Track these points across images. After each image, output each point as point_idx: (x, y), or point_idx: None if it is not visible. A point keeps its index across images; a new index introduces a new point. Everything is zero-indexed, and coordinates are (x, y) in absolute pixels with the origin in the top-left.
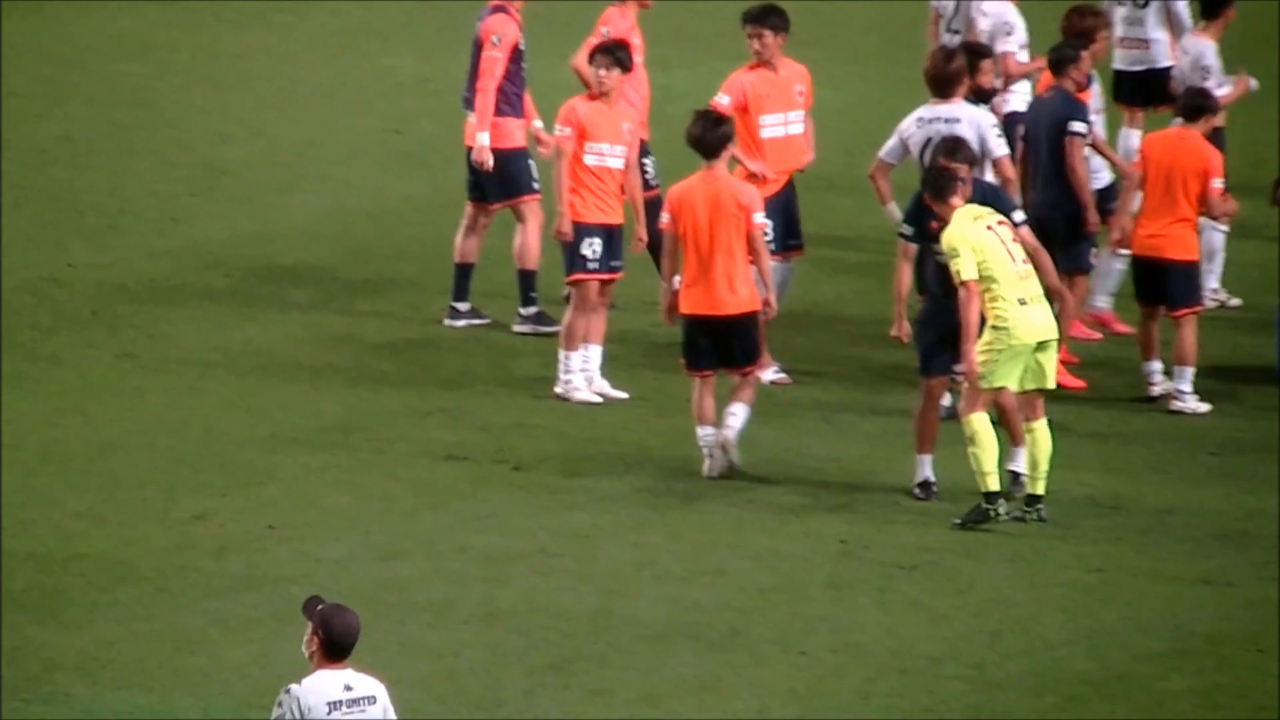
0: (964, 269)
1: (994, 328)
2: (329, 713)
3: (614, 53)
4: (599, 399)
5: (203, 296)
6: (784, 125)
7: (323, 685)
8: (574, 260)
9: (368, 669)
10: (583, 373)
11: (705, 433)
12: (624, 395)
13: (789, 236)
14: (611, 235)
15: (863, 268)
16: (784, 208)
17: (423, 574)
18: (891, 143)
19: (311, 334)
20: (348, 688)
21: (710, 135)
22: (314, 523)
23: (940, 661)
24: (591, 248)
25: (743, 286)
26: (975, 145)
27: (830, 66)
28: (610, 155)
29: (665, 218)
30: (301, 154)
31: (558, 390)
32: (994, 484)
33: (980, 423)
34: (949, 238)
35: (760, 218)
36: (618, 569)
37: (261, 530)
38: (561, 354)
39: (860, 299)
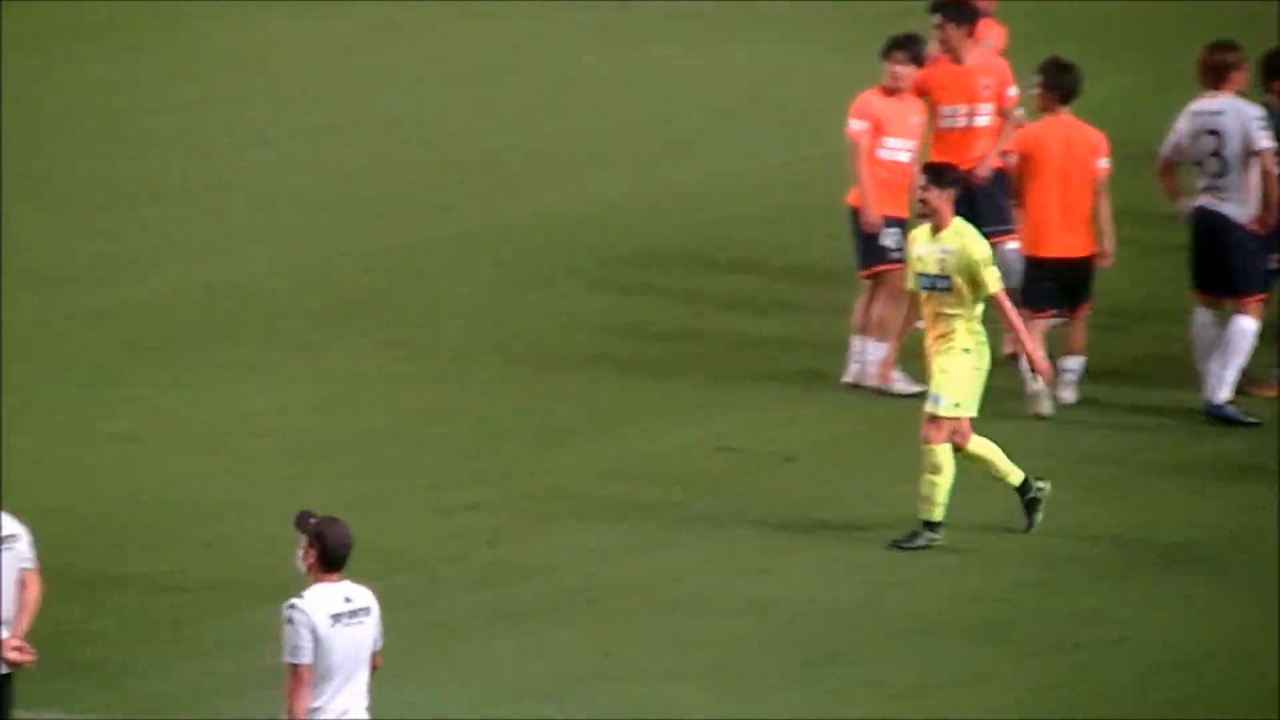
0: (994, 280)
1: (969, 351)
2: (332, 625)
3: (909, 48)
4: (918, 388)
5: (472, 285)
6: (966, 117)
7: (324, 598)
8: (874, 251)
9: (639, 660)
10: (870, 362)
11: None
12: (917, 389)
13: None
14: (903, 228)
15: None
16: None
17: (694, 564)
18: (1171, 138)
19: (582, 323)
20: (347, 599)
21: (1067, 80)
22: (584, 513)
23: (1214, 656)
24: (893, 238)
25: (1088, 229)
26: (1238, 139)
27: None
28: (900, 150)
29: (1014, 159)
30: (569, 143)
31: (849, 378)
32: (940, 515)
33: (946, 454)
34: (979, 246)
35: (1106, 163)
36: (889, 560)
37: (532, 520)
38: (857, 341)
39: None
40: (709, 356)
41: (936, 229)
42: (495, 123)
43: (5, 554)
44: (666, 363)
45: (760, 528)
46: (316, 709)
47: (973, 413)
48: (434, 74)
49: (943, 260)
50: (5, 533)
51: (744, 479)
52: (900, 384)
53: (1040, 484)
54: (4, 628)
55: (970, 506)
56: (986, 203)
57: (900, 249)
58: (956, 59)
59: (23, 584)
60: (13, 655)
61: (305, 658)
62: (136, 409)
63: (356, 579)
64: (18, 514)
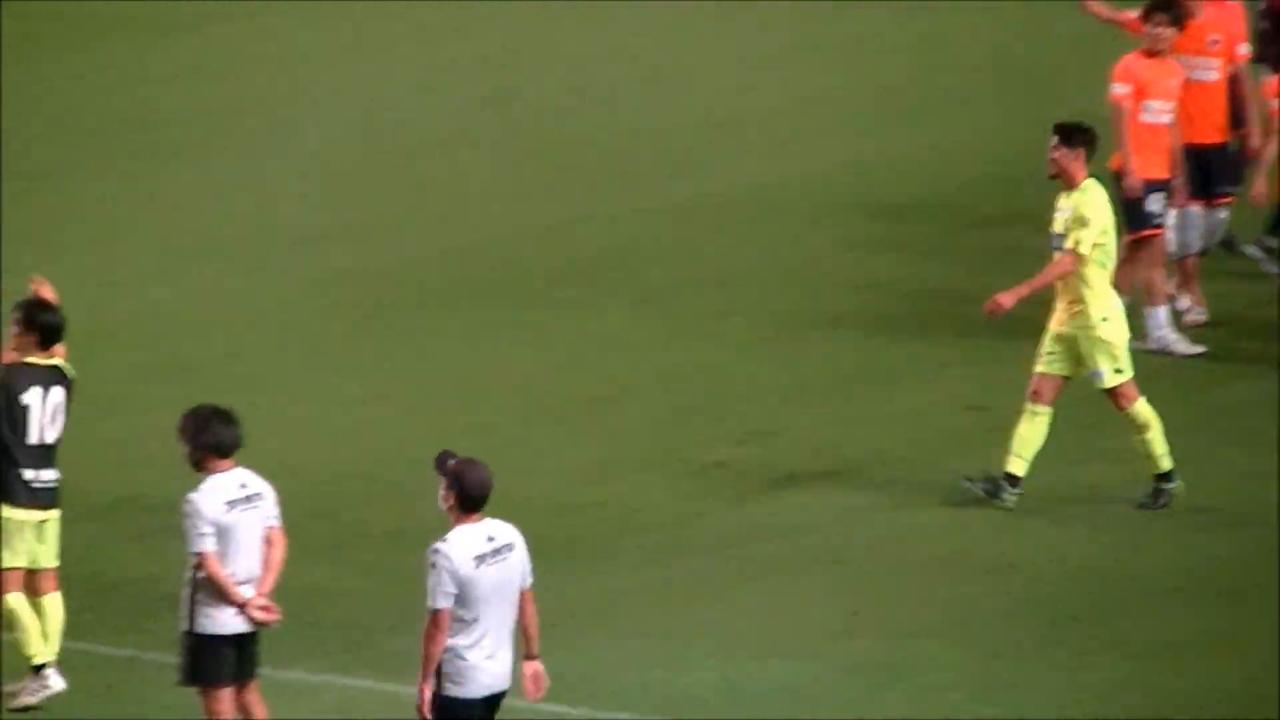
0: (1081, 241)
1: (1107, 320)
2: (476, 566)
3: (1169, 9)
4: (1201, 349)
5: (718, 246)
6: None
7: (467, 540)
8: (1138, 216)
9: (885, 618)
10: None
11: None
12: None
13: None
14: (1167, 192)
15: None
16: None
17: (939, 524)
18: None
19: (829, 282)
20: (490, 538)
21: None
22: (830, 472)
23: None
24: (1158, 203)
25: None
26: None
27: None
28: (1163, 113)
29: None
30: (819, 105)
31: (1151, 346)
32: (1167, 464)
33: (1144, 409)
34: (1091, 206)
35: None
36: (1132, 520)
37: (778, 479)
38: (1149, 310)
39: None
40: (956, 315)
41: (1068, 189)
42: (741, 83)
43: (251, 512)
44: (913, 321)
45: None
46: (467, 647)
47: (1130, 373)
48: (674, 37)
49: (1065, 219)
50: (251, 491)
51: (990, 438)
52: (1180, 345)
53: (1175, 485)
54: (250, 586)
55: (1215, 465)
56: (1220, 162)
57: (1164, 213)
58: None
59: (268, 542)
60: (258, 614)
61: (443, 603)
62: (381, 369)
63: (605, 539)
64: (263, 473)
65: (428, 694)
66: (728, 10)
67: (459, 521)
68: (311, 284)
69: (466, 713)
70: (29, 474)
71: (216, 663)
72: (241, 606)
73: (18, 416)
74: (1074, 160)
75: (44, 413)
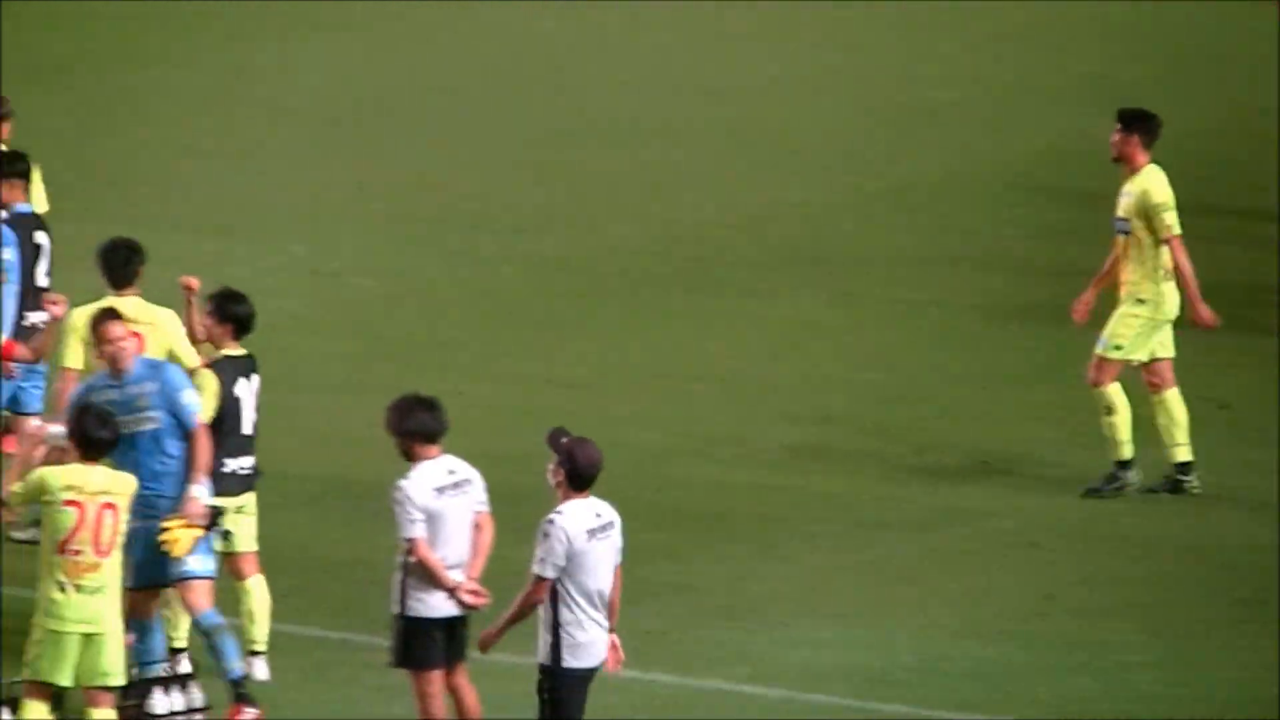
0: (1170, 225)
1: (1143, 301)
2: (588, 540)
3: None
4: None
5: (913, 234)
6: None
7: (580, 515)
8: None
9: (1079, 599)
10: None
11: None
12: None
13: None
14: None
15: None
16: None
17: (1129, 509)
18: None
19: (1025, 270)
20: (598, 515)
21: None
22: (1025, 458)
23: None
24: None
25: None
26: None
27: None
28: None
29: None
30: (1010, 93)
31: None
32: (1128, 453)
33: (1115, 393)
34: (1159, 190)
35: None
36: None
37: (975, 465)
38: None
39: None
40: None
41: (1130, 173)
42: (933, 75)
43: (460, 498)
44: (1107, 309)
45: (1198, 474)
46: (578, 622)
47: (1137, 357)
48: (873, 30)
49: (1127, 204)
50: (459, 477)
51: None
52: None
53: (1194, 481)
54: (460, 570)
55: None
56: None
57: None
58: None
59: (477, 527)
60: (468, 598)
61: (551, 572)
62: (588, 355)
63: (806, 523)
64: (471, 458)
65: (496, 636)
66: (922, 4)
67: (568, 497)
68: (520, 271)
69: (581, 683)
70: (231, 463)
71: (426, 646)
72: (451, 591)
73: (231, 409)
74: (1133, 145)
75: (249, 403)
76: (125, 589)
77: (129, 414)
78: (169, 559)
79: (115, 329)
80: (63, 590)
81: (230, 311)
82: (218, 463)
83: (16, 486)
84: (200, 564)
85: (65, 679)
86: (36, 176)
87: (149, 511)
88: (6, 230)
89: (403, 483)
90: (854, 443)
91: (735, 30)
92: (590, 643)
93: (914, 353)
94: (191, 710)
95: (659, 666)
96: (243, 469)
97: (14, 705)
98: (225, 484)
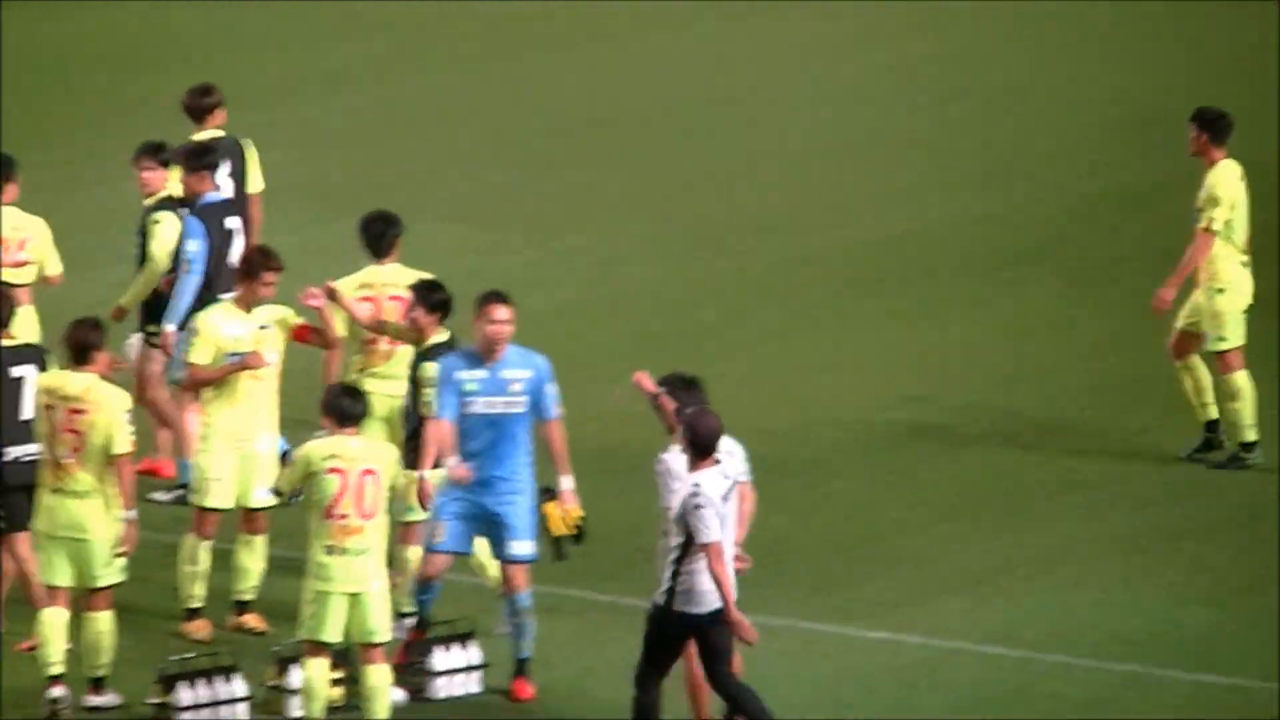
0: (1218, 218)
1: (1223, 291)
2: (724, 503)
3: None
4: None
5: (1134, 232)
6: None
7: (714, 481)
8: None
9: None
10: None
11: None
12: None
13: None
14: None
15: None
16: None
17: None
18: None
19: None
20: (725, 477)
21: None
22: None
23: None
24: None
25: None
26: None
27: None
28: None
29: None
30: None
31: None
32: (1253, 435)
33: (1244, 379)
34: (1224, 183)
35: None
36: None
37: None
38: None
39: None
40: None
41: (1208, 167)
42: (1157, 85)
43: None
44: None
45: None
46: (694, 570)
47: (1238, 342)
48: (1101, 40)
49: (1200, 195)
50: (723, 449)
51: None
52: None
53: (1254, 456)
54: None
55: None
56: None
57: None
58: None
59: (740, 497)
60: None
61: (717, 535)
62: (839, 341)
63: (1045, 497)
64: (730, 432)
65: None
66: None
67: (697, 465)
68: (768, 266)
69: (686, 628)
70: None
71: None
72: None
73: None
74: (1204, 143)
75: None
76: (430, 548)
77: (495, 396)
78: (504, 538)
79: (500, 311)
80: (330, 554)
81: (433, 299)
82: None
83: (284, 471)
84: (529, 549)
85: (335, 636)
86: (253, 157)
87: (501, 491)
88: (194, 222)
89: (665, 455)
90: (1086, 422)
91: (976, 42)
92: (706, 592)
93: (1136, 343)
94: (471, 667)
95: (907, 630)
96: None
97: (286, 664)
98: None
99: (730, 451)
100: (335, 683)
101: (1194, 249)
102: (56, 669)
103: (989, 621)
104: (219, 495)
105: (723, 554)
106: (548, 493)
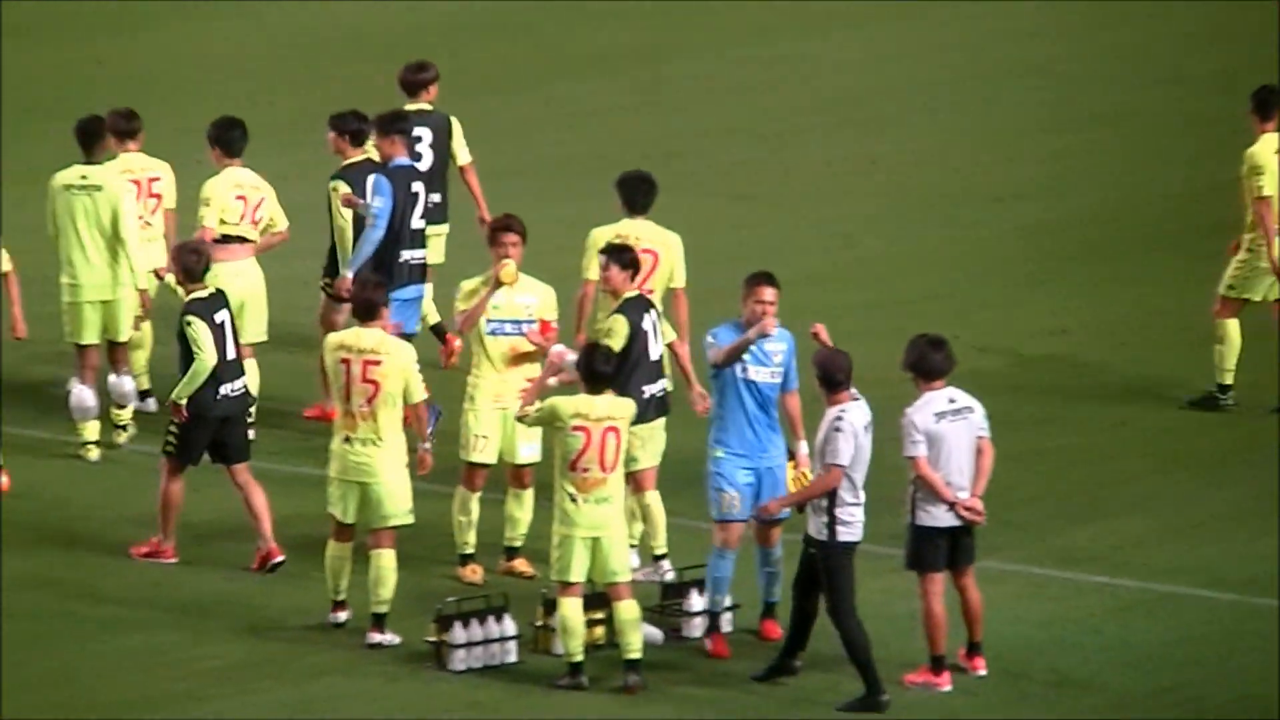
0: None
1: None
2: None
3: None
4: None
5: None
6: None
7: (859, 412)
8: None
9: None
10: None
11: None
12: None
13: None
14: None
15: None
16: None
17: None
18: None
19: None
20: (951, 400)
21: None
22: None
23: None
24: None
25: None
26: None
27: None
28: None
29: None
30: None
31: None
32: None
33: (1232, 327)
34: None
35: None
36: None
37: None
38: None
39: None
40: None
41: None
42: None
43: (960, 423)
44: None
45: None
46: (848, 502)
47: (1249, 296)
48: None
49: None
50: (960, 405)
51: None
52: None
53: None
54: (962, 491)
55: None
56: None
57: None
58: None
59: (979, 451)
60: (966, 513)
61: (845, 461)
62: (1060, 307)
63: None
64: (968, 390)
65: (779, 507)
66: None
67: (835, 399)
68: (998, 235)
69: (849, 555)
70: (648, 389)
71: (932, 552)
72: (951, 505)
73: (640, 342)
74: (1251, 118)
75: (654, 335)
76: (725, 519)
77: (762, 367)
78: (766, 497)
79: (767, 292)
80: (574, 501)
81: (627, 259)
82: (636, 390)
83: (531, 410)
84: (787, 508)
85: (580, 576)
86: (457, 130)
87: (769, 454)
88: (382, 181)
89: (908, 410)
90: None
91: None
92: (857, 522)
93: None
94: (729, 608)
95: (1124, 574)
96: (656, 393)
97: (552, 605)
98: (642, 408)
99: (971, 408)
100: (596, 623)
101: (1265, 217)
102: (341, 596)
103: (1200, 566)
104: (485, 452)
105: (839, 481)
106: (788, 455)
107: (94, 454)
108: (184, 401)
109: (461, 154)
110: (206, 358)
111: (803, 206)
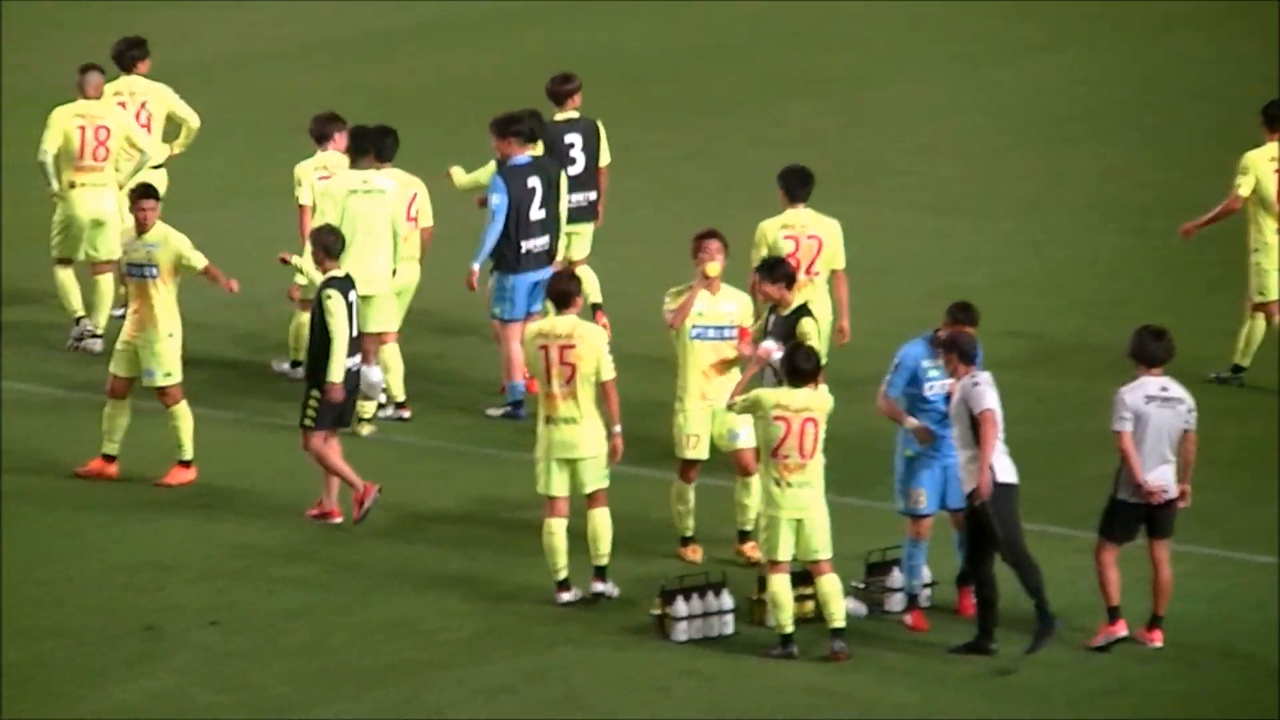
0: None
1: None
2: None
3: None
4: None
5: None
6: None
7: (991, 381)
8: None
9: None
10: None
11: None
12: None
13: None
14: None
15: None
16: None
17: None
18: None
19: None
20: (1164, 389)
21: None
22: None
23: None
24: None
25: None
26: None
27: None
28: None
29: None
30: None
31: None
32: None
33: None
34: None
35: None
36: None
37: None
38: None
39: None
40: None
41: None
42: None
43: (1166, 410)
44: None
45: None
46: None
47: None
48: None
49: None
50: (1171, 395)
51: None
52: None
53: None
54: (1164, 470)
55: None
56: None
57: None
58: None
59: (1185, 440)
60: (1152, 497)
61: (991, 403)
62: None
63: None
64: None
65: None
66: None
67: (961, 370)
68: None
69: (1014, 495)
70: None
71: (1119, 524)
72: (1138, 485)
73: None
74: (1262, 129)
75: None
76: (915, 514)
77: (948, 380)
78: (950, 490)
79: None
80: (777, 486)
81: (779, 274)
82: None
83: (738, 399)
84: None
85: (786, 555)
86: (603, 136)
87: (948, 455)
88: (499, 179)
89: (1122, 389)
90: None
91: None
92: (1009, 464)
93: None
94: (929, 584)
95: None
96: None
97: (763, 583)
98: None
99: (1181, 399)
100: (805, 598)
101: (1221, 206)
102: (562, 574)
103: None
104: (698, 449)
105: (996, 422)
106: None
107: (365, 430)
108: (339, 381)
109: (604, 156)
110: (341, 331)
111: (997, 218)
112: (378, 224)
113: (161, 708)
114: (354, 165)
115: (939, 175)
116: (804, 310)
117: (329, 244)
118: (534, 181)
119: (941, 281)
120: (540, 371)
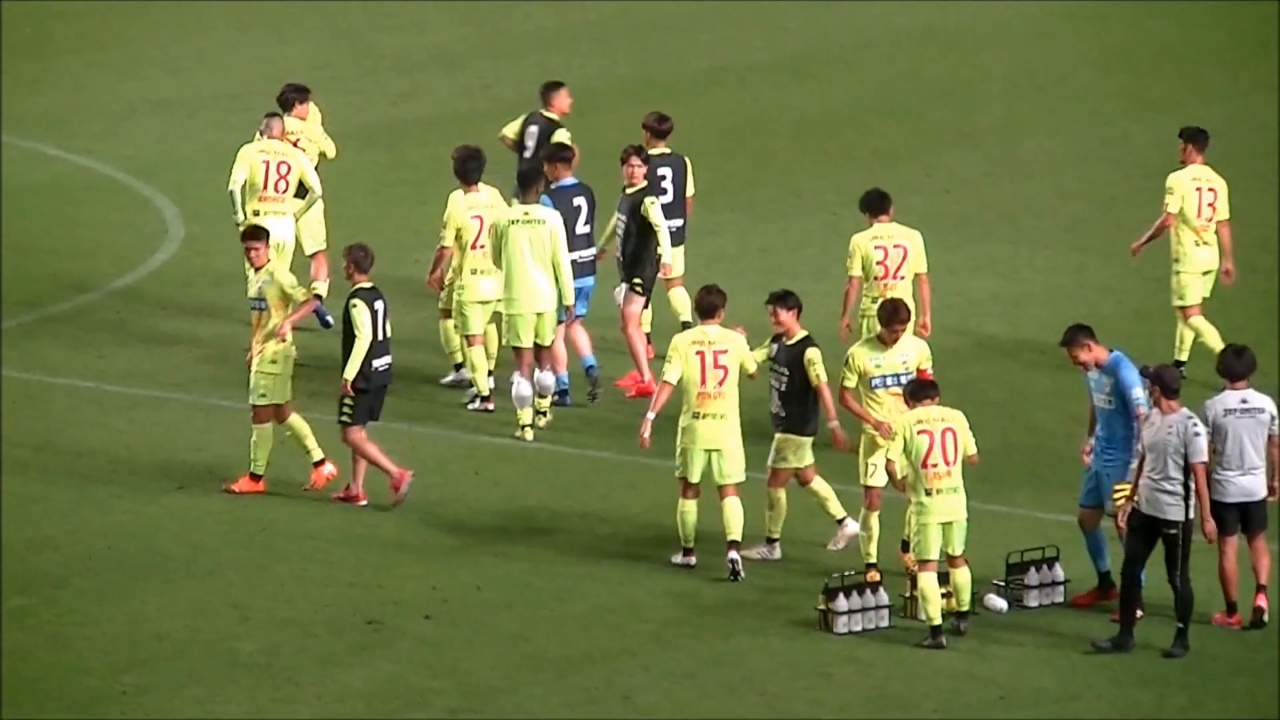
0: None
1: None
2: (1224, 415)
3: None
4: None
5: None
6: None
7: (1225, 397)
8: None
9: None
10: None
11: None
12: None
13: None
14: None
15: None
16: None
17: None
18: None
19: None
20: (1244, 400)
21: None
22: None
23: None
24: None
25: None
26: None
27: None
28: None
29: None
30: None
31: None
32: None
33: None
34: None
35: None
36: None
37: None
38: None
39: None
40: None
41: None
42: None
43: (1247, 420)
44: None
45: None
46: (1145, 484)
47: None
48: None
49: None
50: (1251, 406)
51: None
52: None
53: None
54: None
55: None
56: None
57: None
58: None
59: (1272, 442)
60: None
61: (1205, 457)
62: None
63: None
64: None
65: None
66: None
67: (1170, 405)
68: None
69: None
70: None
71: (1222, 521)
72: (1197, 494)
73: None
74: (1181, 150)
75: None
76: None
77: (1100, 393)
78: (1106, 490)
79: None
80: (928, 494)
81: (791, 302)
82: (815, 413)
83: (893, 450)
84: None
85: (935, 555)
86: (689, 169)
87: (1107, 459)
88: (546, 199)
89: (1207, 401)
90: None
91: None
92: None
93: None
94: (1055, 583)
95: None
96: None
97: (914, 581)
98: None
99: (1262, 408)
100: (950, 595)
101: (1157, 222)
102: (688, 543)
103: None
104: (875, 476)
105: (1205, 472)
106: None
107: (529, 435)
108: (353, 378)
109: (689, 187)
110: (365, 336)
111: (1127, 256)
112: (542, 250)
113: (383, 692)
114: (523, 201)
115: (1074, 217)
116: (808, 341)
117: (359, 259)
118: (579, 201)
119: (1075, 311)
120: (693, 373)
